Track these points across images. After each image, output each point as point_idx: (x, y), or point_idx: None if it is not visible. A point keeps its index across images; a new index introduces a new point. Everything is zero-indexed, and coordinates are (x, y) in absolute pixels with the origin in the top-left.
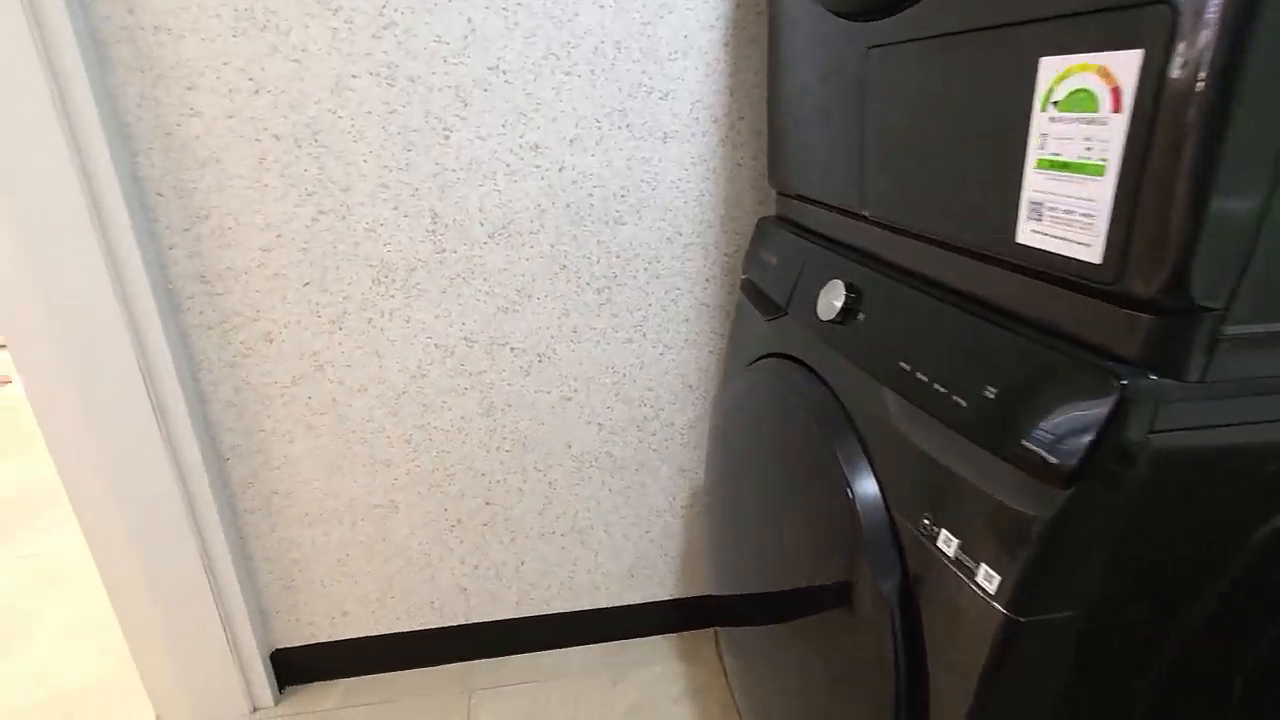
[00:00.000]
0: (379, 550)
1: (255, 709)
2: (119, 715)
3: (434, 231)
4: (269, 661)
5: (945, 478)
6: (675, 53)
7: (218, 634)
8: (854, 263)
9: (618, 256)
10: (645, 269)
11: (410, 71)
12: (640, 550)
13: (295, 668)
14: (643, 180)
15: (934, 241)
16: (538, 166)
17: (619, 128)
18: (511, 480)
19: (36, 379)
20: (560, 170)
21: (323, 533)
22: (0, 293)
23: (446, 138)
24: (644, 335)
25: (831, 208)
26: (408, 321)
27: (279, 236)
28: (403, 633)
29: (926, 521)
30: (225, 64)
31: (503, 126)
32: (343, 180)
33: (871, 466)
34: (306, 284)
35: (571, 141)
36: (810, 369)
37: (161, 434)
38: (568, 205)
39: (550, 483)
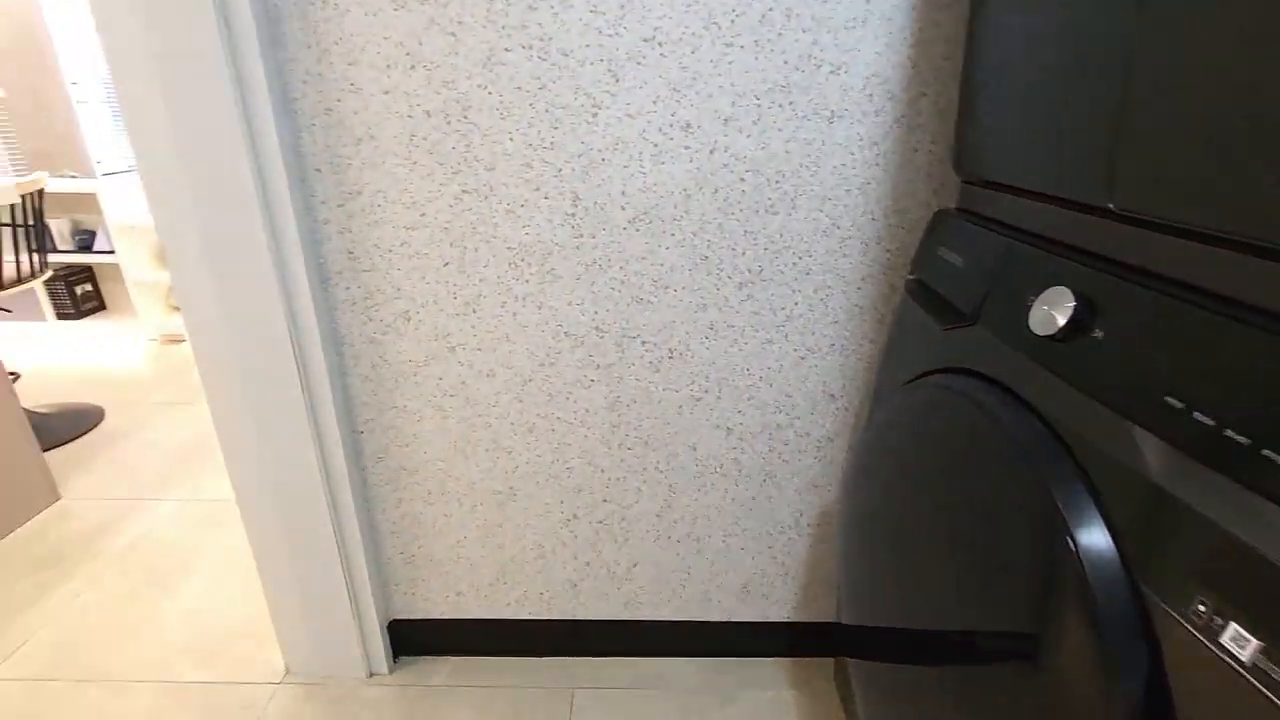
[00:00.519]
0: (494, 536)
1: (371, 674)
2: (254, 660)
3: (573, 215)
4: (386, 631)
5: (1241, 555)
6: (853, 20)
7: (343, 598)
8: (1083, 266)
9: (765, 249)
10: (794, 264)
11: (563, 44)
12: (759, 566)
13: (409, 640)
14: (802, 165)
15: (1226, 241)
16: (687, 148)
17: (780, 105)
18: (631, 479)
19: (202, 338)
20: (711, 152)
21: (443, 512)
22: (179, 258)
23: (594, 115)
24: (786, 337)
25: (1052, 199)
26: (540, 307)
27: (423, 215)
28: (512, 620)
29: (1202, 608)
30: (385, 38)
31: (654, 103)
32: (488, 159)
33: (1105, 520)
34: (445, 264)
35: (726, 121)
36: (1010, 391)
37: (305, 402)
38: (715, 191)
39: (670, 485)
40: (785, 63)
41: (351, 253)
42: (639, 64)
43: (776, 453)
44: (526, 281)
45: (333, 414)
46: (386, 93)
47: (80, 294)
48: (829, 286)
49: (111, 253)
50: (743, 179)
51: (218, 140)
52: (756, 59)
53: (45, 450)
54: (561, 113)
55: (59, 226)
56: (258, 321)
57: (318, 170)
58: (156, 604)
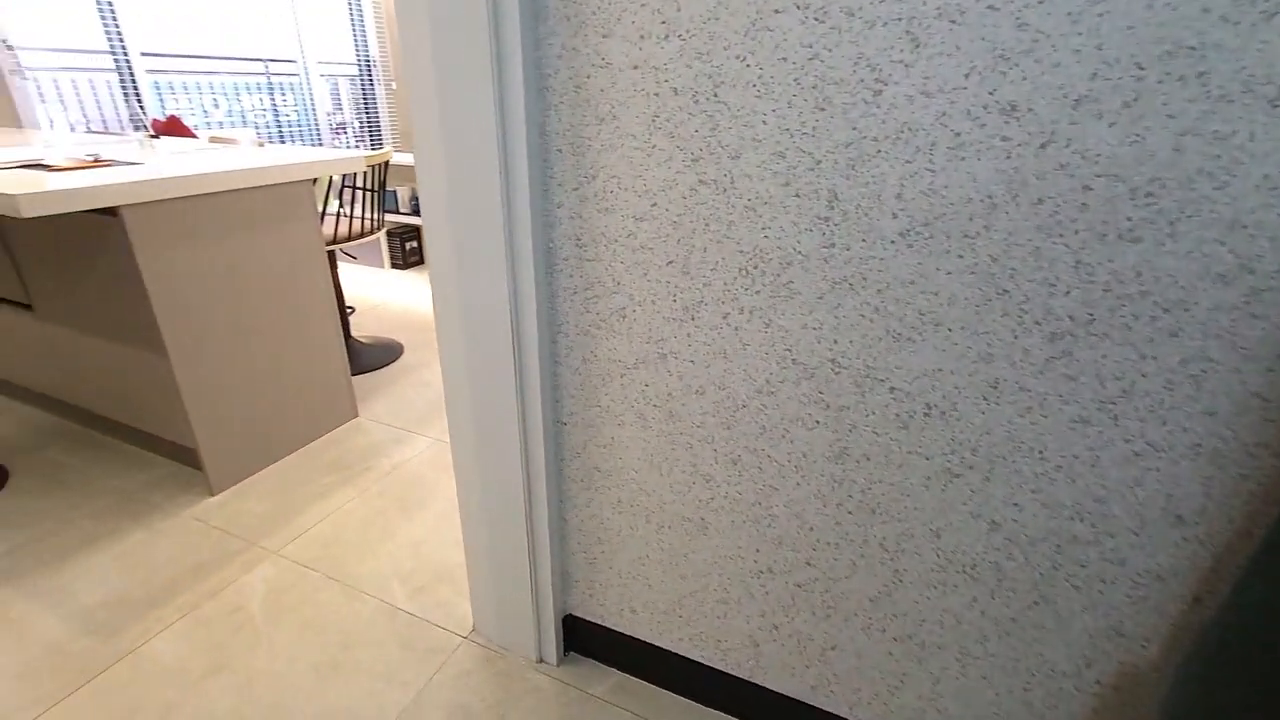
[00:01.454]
0: (678, 564)
1: (540, 659)
2: (452, 607)
3: (827, 220)
4: (561, 624)
5: None
6: None
7: (525, 576)
8: None
9: (1106, 290)
10: (1153, 318)
11: (847, 2)
12: (1004, 708)
13: (582, 638)
14: (1201, 171)
15: None
16: (1006, 139)
17: (1177, 79)
18: (845, 548)
19: (441, 304)
20: (1043, 146)
21: (629, 524)
22: (431, 224)
23: (876, 93)
24: (1115, 420)
25: None
26: (768, 325)
27: (654, 205)
28: (682, 656)
29: None
30: (643, 4)
31: (965, 76)
32: (733, 145)
33: None
34: (669, 263)
35: (1077, 102)
36: None
37: (516, 385)
38: (1039, 201)
39: (897, 570)
40: (1200, 9)
41: (579, 240)
42: (953, 23)
43: (1064, 573)
44: (756, 293)
45: (539, 400)
46: (635, 67)
47: (408, 249)
48: (1210, 359)
49: None
50: (1088, 187)
51: (472, 115)
52: (1150, 6)
53: (355, 374)
54: (833, 89)
55: (403, 193)
56: (485, 297)
57: (559, 151)
58: (396, 527)
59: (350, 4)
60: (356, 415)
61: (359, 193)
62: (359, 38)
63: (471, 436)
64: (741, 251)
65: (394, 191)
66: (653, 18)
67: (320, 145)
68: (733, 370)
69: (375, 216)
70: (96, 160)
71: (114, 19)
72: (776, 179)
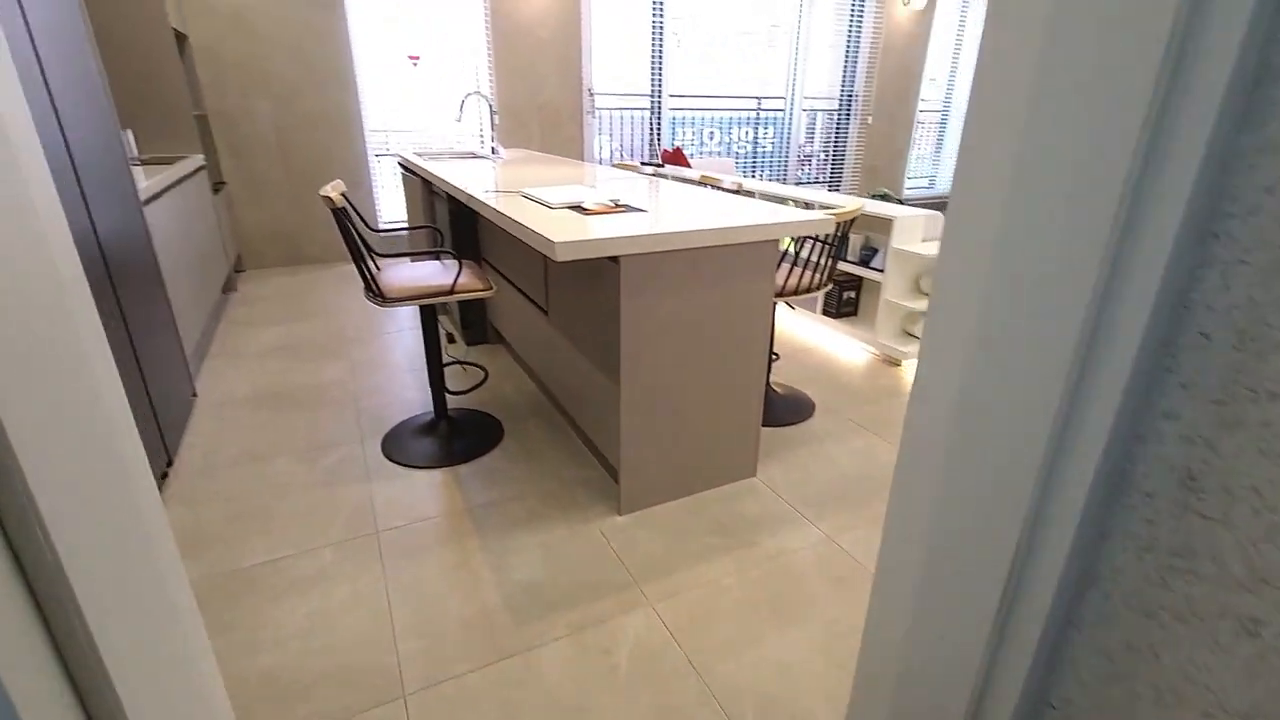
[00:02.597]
0: None
1: None
2: None
3: None
4: None
5: None
6: None
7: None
8: None
9: None
10: None
11: None
12: None
13: None
14: None
15: None
16: None
17: None
18: None
19: (921, 401)
20: None
21: None
22: (944, 294)
23: None
24: None
25: None
26: None
27: None
28: None
29: None
30: None
31: None
32: None
33: None
34: None
35: None
36: None
37: (1029, 512)
38: None
39: None
40: None
41: (1240, 329)
42: None
43: None
44: None
45: (1069, 535)
46: None
47: (844, 299)
48: None
49: (881, 271)
50: None
51: (1084, 176)
52: None
53: (763, 426)
54: None
55: (854, 241)
56: (1015, 381)
57: (1232, 216)
58: (766, 633)
59: (849, 41)
60: (754, 474)
61: (817, 243)
62: (848, 74)
63: (919, 556)
64: None
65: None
66: None
67: (785, 174)
68: None
69: (828, 269)
70: (616, 205)
71: (659, 70)
72: None
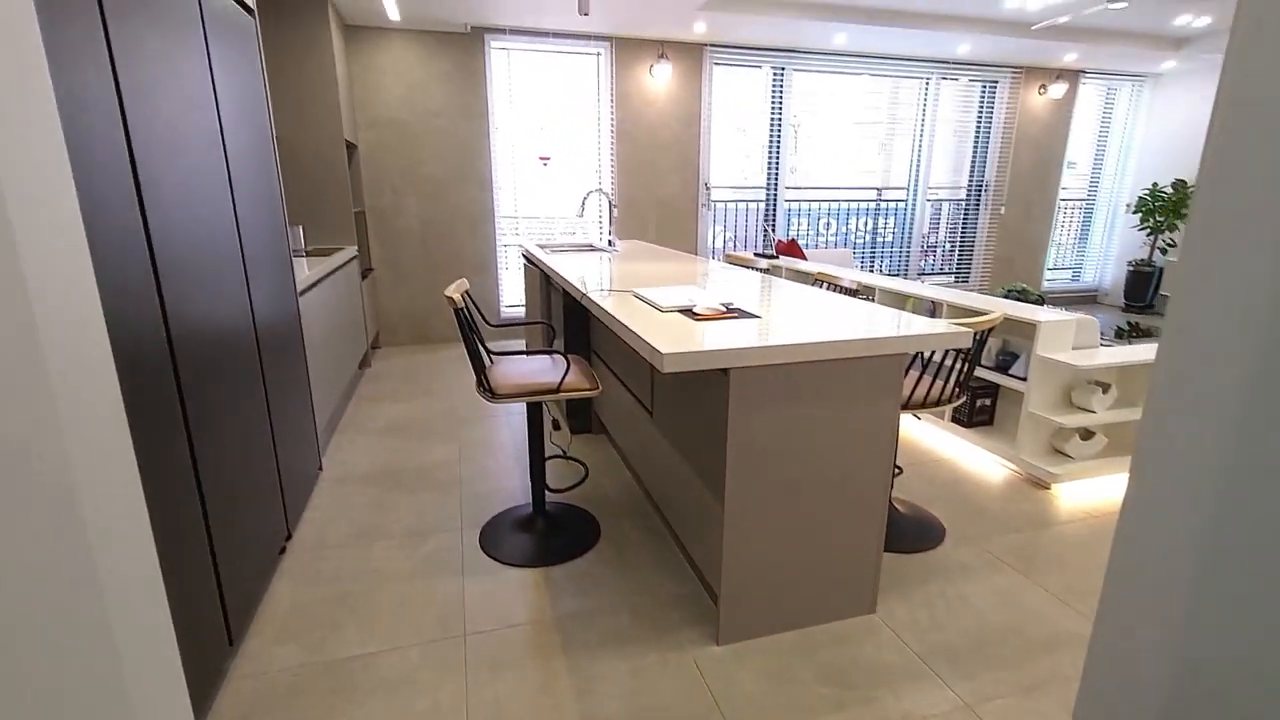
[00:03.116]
0: None
1: None
2: None
3: None
4: None
5: None
6: None
7: None
8: None
9: None
10: None
11: None
12: None
13: None
14: None
15: None
16: None
17: None
18: None
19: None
20: None
21: None
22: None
23: None
24: None
25: None
26: None
27: None
28: None
29: None
30: None
31: None
32: None
33: None
34: None
35: None
36: None
37: None
38: None
39: None
40: None
41: None
42: None
43: None
44: None
45: None
46: None
47: (977, 406)
48: None
49: (1023, 379)
50: None
51: None
52: None
53: (884, 550)
54: None
55: (991, 344)
56: None
57: None
58: None
59: (977, 130)
60: (873, 611)
61: (950, 352)
62: (977, 163)
63: None
64: None
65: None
66: None
67: (906, 265)
68: None
69: (962, 379)
70: (727, 310)
71: (776, 161)
72: None
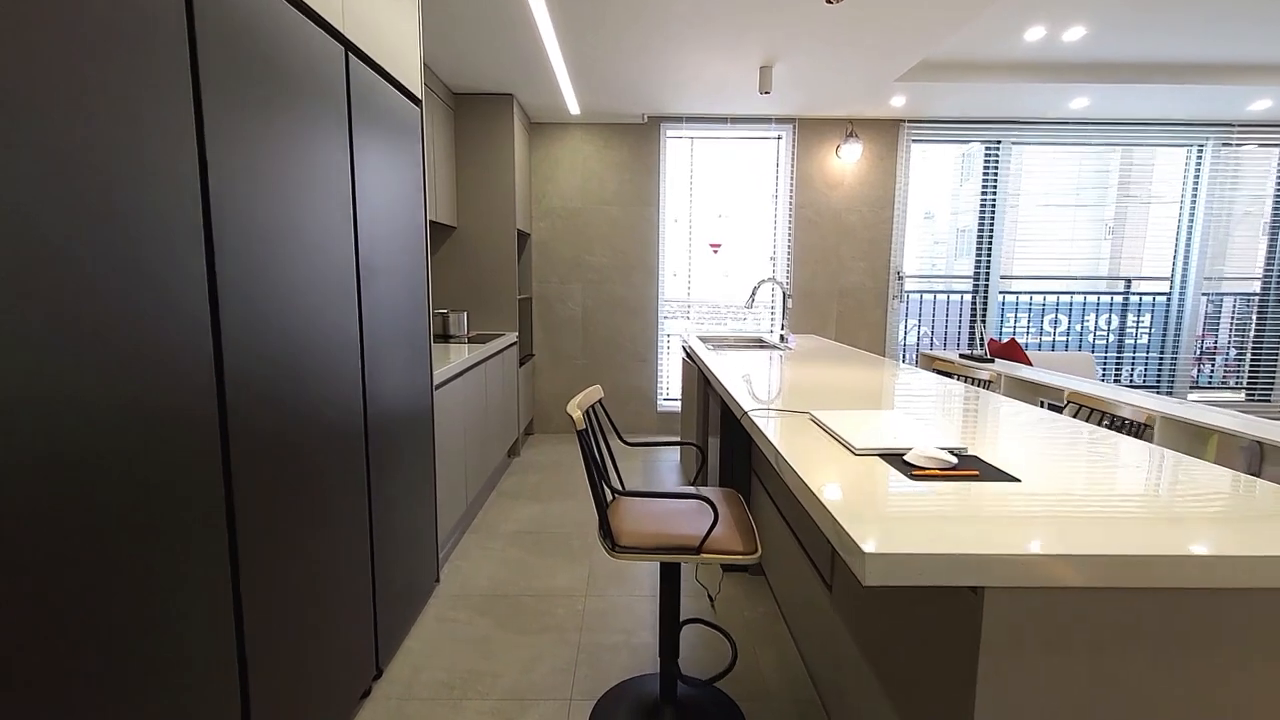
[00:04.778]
0: None
1: None
2: None
3: None
4: None
5: None
6: None
7: None
8: None
9: None
10: None
11: None
12: None
13: None
14: None
15: None
16: None
17: None
18: None
19: None
20: None
21: None
22: None
23: None
24: None
25: None
26: None
27: None
28: None
29: None
30: None
31: None
32: None
33: None
34: None
35: None
36: None
37: None
38: None
39: None
40: None
41: None
42: None
43: None
44: None
45: None
46: None
47: None
48: None
49: None
50: None
51: None
52: None
53: None
54: None
55: None
56: None
57: None
58: None
59: (1276, 213)
60: None
61: None
62: (1278, 249)
63: None
64: None
65: None
66: None
67: (1173, 373)
68: None
69: None
70: (959, 462)
71: (989, 246)
72: None
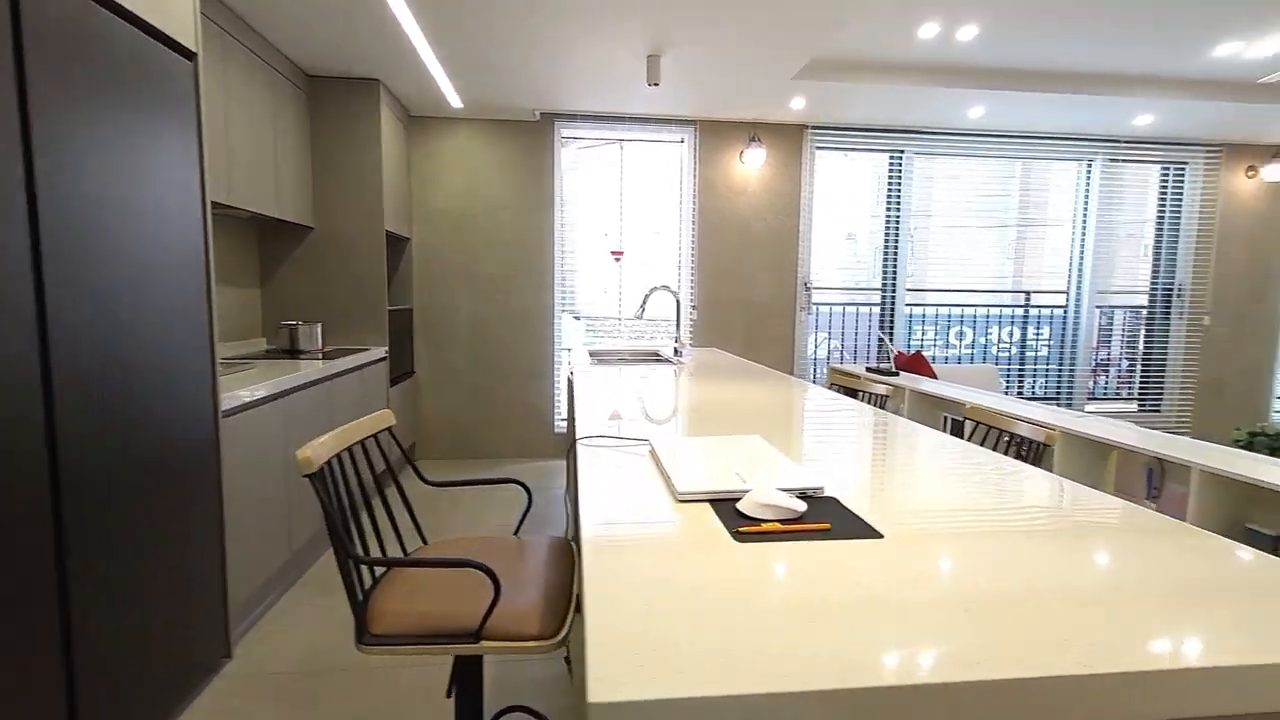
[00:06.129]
0: None
1: None
2: None
3: None
4: None
5: None
6: None
7: None
8: None
9: None
10: None
11: None
12: None
13: None
14: None
15: None
16: None
17: None
18: None
19: None
20: None
21: None
22: None
23: None
24: None
25: None
26: None
27: None
28: None
29: None
30: None
31: None
32: None
33: None
34: None
35: None
36: None
37: None
38: None
39: None
40: None
41: None
42: None
43: None
44: None
45: None
46: None
47: None
48: None
49: None
50: None
51: None
52: None
53: None
54: None
55: None
56: None
57: None
58: None
59: (1161, 226)
60: None
61: None
62: (1163, 264)
63: None
64: None
65: None
66: None
67: (1071, 384)
68: None
69: None
70: (805, 513)
71: (894, 259)
72: None
